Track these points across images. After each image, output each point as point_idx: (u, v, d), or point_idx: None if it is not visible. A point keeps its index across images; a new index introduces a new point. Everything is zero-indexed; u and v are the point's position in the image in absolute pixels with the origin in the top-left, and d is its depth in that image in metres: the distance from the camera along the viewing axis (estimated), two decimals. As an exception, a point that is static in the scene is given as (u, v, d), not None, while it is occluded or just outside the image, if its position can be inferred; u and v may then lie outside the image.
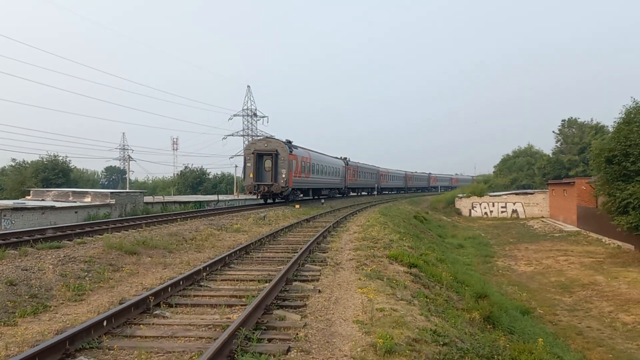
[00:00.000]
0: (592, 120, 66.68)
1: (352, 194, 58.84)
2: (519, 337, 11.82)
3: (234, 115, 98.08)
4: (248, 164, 32.95)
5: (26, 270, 9.80)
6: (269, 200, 35.76)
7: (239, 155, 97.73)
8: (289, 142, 35.04)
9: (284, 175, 32.66)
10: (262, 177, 32.99)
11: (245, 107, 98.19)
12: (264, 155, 32.95)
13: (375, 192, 66.77)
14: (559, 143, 69.49)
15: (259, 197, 36.00)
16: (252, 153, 32.85)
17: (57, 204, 25.84)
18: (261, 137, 35.42)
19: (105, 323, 6.71)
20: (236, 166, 69.77)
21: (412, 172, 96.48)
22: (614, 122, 29.03)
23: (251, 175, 32.73)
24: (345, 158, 53.74)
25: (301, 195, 39.97)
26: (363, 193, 64.38)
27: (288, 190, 33.69)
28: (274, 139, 34.67)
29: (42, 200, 31.54)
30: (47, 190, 35.27)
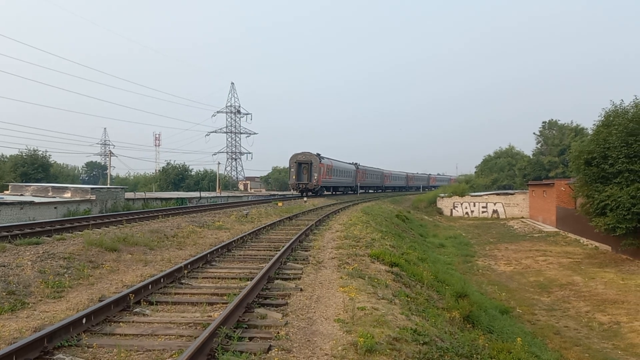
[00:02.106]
0: (572, 122, 67.95)
1: (361, 191, 69.99)
2: (497, 336, 11.97)
3: (218, 112, 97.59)
4: (292, 170, 48.73)
5: (4, 266, 9.66)
6: (304, 194, 49.55)
7: (222, 152, 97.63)
8: (319, 154, 49.04)
9: (315, 177, 47.63)
10: (301, 178, 48.46)
11: (229, 104, 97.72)
12: (302, 164, 48.24)
13: (380, 190, 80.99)
14: (539, 144, 70.53)
15: (298, 192, 50.83)
16: (295, 162, 48.29)
17: (37, 199, 25.45)
18: (300, 152, 48.87)
19: (84, 321, 6.66)
20: (219, 163, 69.79)
21: (413, 173, 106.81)
22: (594, 124, 29.51)
23: (294, 177, 48.59)
24: (356, 163, 66.15)
25: (325, 191, 55.13)
26: (370, 190, 77.38)
27: (318, 187, 48.99)
28: (309, 152, 48.70)
29: (21, 195, 31.03)
30: (26, 185, 34.74)
